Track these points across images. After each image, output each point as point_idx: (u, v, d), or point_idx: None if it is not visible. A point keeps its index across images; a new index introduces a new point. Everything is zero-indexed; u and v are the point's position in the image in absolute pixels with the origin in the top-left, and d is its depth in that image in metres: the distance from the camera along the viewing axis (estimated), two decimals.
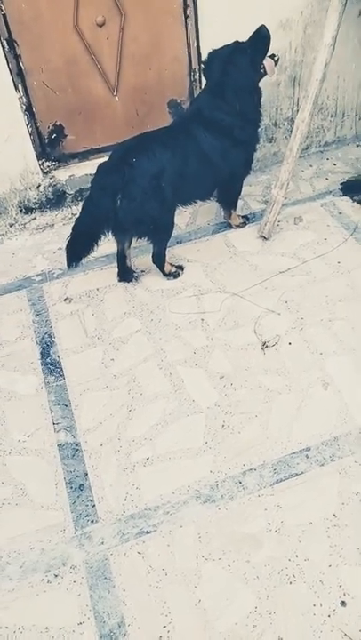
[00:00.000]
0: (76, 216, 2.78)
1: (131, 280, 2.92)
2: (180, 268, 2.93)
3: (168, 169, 2.58)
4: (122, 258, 2.89)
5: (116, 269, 2.92)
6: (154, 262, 2.86)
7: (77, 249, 2.74)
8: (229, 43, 2.65)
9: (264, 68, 2.70)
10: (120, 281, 2.92)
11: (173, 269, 2.91)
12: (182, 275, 2.90)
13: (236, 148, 2.75)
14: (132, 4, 2.93)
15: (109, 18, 2.94)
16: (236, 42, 2.65)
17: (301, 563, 1.81)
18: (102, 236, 2.70)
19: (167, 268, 2.89)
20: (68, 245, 2.75)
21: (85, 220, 2.68)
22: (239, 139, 2.73)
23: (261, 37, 2.63)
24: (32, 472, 2.15)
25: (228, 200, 3.05)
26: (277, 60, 2.74)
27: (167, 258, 2.88)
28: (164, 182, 2.58)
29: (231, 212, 3.11)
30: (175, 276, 2.90)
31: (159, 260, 2.85)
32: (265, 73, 2.72)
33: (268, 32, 2.62)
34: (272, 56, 2.71)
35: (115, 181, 2.53)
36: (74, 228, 2.73)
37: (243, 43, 2.65)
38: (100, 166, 2.64)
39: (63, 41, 2.94)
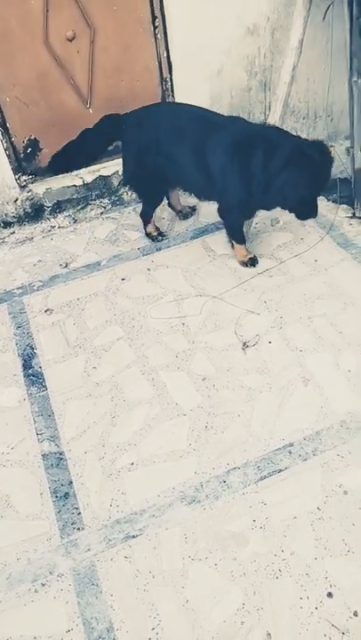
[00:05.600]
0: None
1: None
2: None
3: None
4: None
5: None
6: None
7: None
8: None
9: None
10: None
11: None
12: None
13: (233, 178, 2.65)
14: (101, 17, 2.98)
15: (79, 32, 2.99)
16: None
17: (287, 557, 1.81)
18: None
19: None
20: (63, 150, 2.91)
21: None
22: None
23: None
24: (17, 483, 2.15)
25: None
26: None
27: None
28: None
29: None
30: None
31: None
32: None
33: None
34: None
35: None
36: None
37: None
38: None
39: (34, 56, 2.98)
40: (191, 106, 2.84)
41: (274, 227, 3.17)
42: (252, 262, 2.92)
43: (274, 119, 3.03)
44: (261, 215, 3.18)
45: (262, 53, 3.29)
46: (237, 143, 2.57)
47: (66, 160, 2.98)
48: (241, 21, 3.13)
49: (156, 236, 3.18)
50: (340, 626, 1.65)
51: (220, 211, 2.86)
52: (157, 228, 3.20)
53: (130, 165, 2.91)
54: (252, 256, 2.93)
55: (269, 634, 1.65)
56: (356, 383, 2.30)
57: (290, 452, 2.09)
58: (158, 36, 3.12)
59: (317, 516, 1.90)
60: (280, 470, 2.04)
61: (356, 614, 1.67)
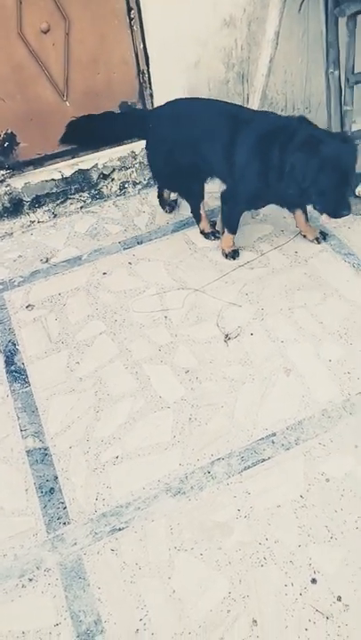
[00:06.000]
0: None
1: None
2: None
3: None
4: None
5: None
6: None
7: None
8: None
9: None
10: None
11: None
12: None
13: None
14: (76, 9, 2.95)
15: (53, 24, 2.95)
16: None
17: (272, 545, 1.84)
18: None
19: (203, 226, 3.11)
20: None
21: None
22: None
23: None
24: (1, 479, 2.14)
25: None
26: None
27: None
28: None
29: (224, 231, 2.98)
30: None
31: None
32: None
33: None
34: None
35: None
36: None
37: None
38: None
39: (8, 48, 2.94)
40: (219, 101, 2.82)
41: (254, 219, 3.18)
42: (233, 254, 2.93)
43: None
44: None
45: (239, 45, 3.29)
46: (260, 137, 2.52)
47: (83, 130, 2.94)
48: (217, 13, 3.13)
49: (209, 234, 3.09)
50: (324, 611, 1.68)
51: (224, 195, 2.81)
52: (212, 226, 3.09)
53: (161, 165, 2.92)
54: (235, 248, 2.94)
55: (255, 621, 1.68)
56: (337, 372, 2.34)
57: (273, 442, 2.12)
58: (134, 27, 3.10)
59: (301, 504, 1.93)
60: (263, 460, 2.07)
61: (339, 599, 1.70)
